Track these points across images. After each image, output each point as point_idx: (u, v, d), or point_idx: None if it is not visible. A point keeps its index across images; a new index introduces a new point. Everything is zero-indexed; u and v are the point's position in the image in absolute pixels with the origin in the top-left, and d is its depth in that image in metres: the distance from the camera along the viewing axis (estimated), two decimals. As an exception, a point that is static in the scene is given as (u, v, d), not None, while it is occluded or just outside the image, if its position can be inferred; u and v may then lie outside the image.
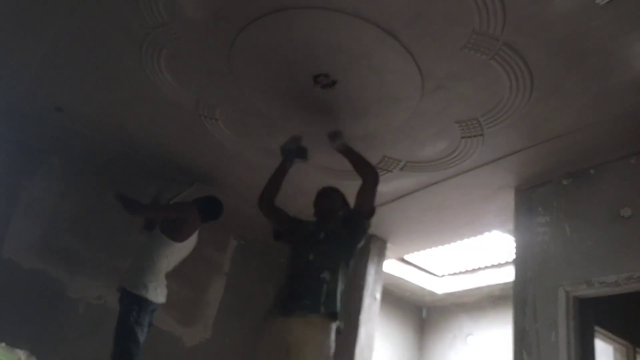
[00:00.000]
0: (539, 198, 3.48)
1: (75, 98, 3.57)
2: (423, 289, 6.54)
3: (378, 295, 4.74)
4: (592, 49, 2.46)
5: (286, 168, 3.19)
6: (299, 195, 3.72)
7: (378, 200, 3.98)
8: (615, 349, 4.10)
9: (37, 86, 3.48)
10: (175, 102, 3.38)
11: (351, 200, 3.02)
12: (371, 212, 3.01)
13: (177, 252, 3.79)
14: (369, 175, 3.03)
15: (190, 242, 3.91)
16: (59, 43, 3.05)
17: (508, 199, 3.71)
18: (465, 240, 5.02)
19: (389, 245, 4.91)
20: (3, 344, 2.21)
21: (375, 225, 4.50)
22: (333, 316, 2.74)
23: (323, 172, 3.84)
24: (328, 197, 3.13)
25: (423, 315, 7.15)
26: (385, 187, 3.88)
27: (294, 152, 3.17)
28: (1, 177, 4.04)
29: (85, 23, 2.87)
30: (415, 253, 5.68)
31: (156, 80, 3.20)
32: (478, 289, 6.16)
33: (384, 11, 2.47)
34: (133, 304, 3.47)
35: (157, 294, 3.56)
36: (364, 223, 2.99)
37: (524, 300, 3.28)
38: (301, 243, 2.97)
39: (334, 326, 2.72)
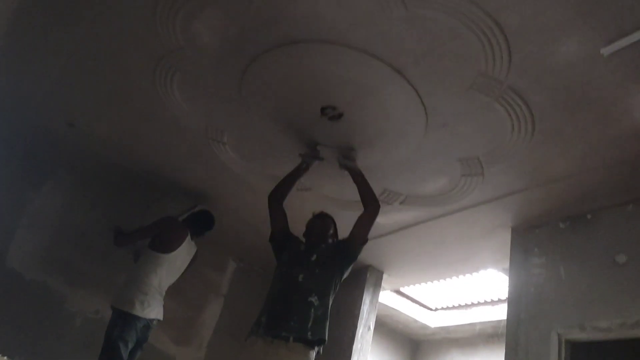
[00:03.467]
0: (536, 239, 3.51)
1: (86, 114, 3.64)
2: (416, 322, 6.52)
3: (372, 325, 4.74)
4: (594, 97, 2.52)
5: (302, 170, 3.25)
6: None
7: (377, 231, 4.06)
8: (606, 395, 4.08)
9: (51, 101, 3.55)
10: (185, 124, 3.44)
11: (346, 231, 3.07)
12: (365, 241, 3.05)
13: (166, 265, 3.76)
14: (373, 205, 3.09)
15: (182, 254, 3.89)
16: (76, 60, 3.13)
17: (505, 238, 3.74)
18: (461, 277, 5.04)
19: (385, 276, 4.93)
20: (-1, 354, 2.23)
21: (373, 256, 4.56)
22: (320, 343, 2.75)
23: (324, 200, 3.89)
24: (322, 220, 3.17)
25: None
26: (385, 219, 3.92)
27: (312, 155, 3.25)
28: (9, 187, 4.07)
29: (103, 42, 2.95)
30: (411, 286, 5.69)
31: (167, 102, 3.27)
32: (471, 325, 6.14)
33: (393, 49, 2.54)
34: (117, 318, 3.50)
35: (144, 308, 3.55)
36: (357, 250, 3.02)
37: (517, 340, 3.29)
38: (291, 261, 2.97)
39: (314, 353, 2.74)
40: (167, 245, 3.79)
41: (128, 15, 2.72)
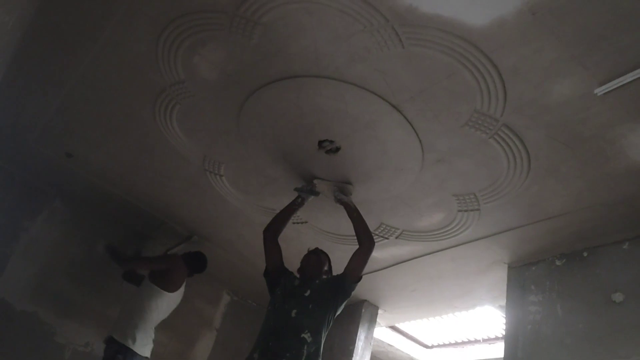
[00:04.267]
0: (532, 276, 3.49)
1: (85, 145, 3.65)
2: (412, 359, 6.42)
3: (366, 362, 4.67)
4: (589, 135, 2.55)
5: (297, 204, 3.26)
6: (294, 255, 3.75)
7: (373, 266, 4.05)
8: None
9: (50, 131, 3.56)
10: (183, 155, 3.47)
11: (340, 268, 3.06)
12: (359, 278, 3.03)
13: (167, 303, 3.79)
14: (368, 242, 3.08)
15: (180, 293, 3.92)
16: (77, 91, 3.16)
17: (501, 275, 3.72)
18: (457, 313, 4.99)
19: (380, 311, 4.88)
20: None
21: (368, 290, 4.53)
22: None
23: (320, 234, 3.88)
24: (317, 256, 3.16)
25: None
26: (381, 254, 3.91)
27: (307, 190, 3.25)
28: (4, 215, 4.05)
29: (104, 74, 2.99)
30: (407, 322, 5.62)
31: (166, 134, 3.30)
32: (468, 363, 6.05)
33: (390, 85, 2.58)
34: (118, 353, 3.44)
35: (144, 346, 3.54)
36: (350, 287, 2.99)
37: (514, 380, 3.24)
38: (285, 296, 2.94)
39: None
40: (171, 283, 3.83)
41: (130, 49, 2.76)
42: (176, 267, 3.90)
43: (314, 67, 2.59)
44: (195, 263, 4.10)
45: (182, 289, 3.95)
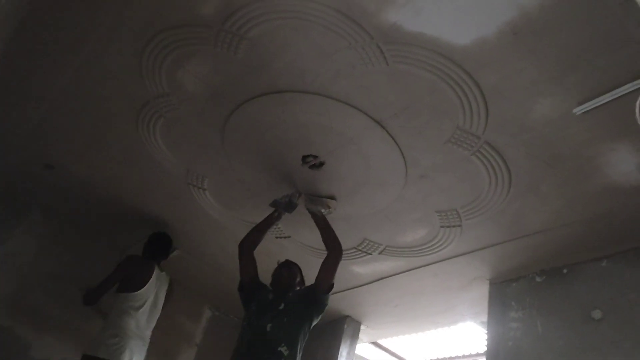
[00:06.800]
0: (513, 293, 3.52)
1: (67, 156, 3.60)
2: (394, 376, 6.40)
3: (348, 379, 4.64)
4: (568, 154, 2.60)
5: (274, 218, 3.25)
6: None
7: (356, 281, 4.04)
8: None
9: (31, 142, 3.51)
10: (166, 168, 3.44)
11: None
12: (331, 287, 3.03)
13: (139, 303, 3.60)
14: (336, 250, 3.09)
15: (153, 288, 3.73)
16: (60, 102, 3.12)
17: (483, 291, 3.74)
18: (440, 329, 5.00)
19: (363, 327, 4.87)
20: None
21: (351, 306, 4.52)
22: None
23: (303, 248, 3.87)
24: (289, 269, 3.16)
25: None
26: (363, 269, 3.91)
27: (284, 205, 3.22)
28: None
29: (88, 86, 2.96)
30: (389, 338, 5.61)
31: (149, 147, 3.27)
32: (449, 379, 6.04)
33: (375, 102, 2.61)
34: None
35: (113, 351, 3.34)
36: (323, 298, 2.98)
37: (495, 396, 3.25)
38: (259, 310, 2.92)
39: None
40: (136, 283, 3.64)
41: (113, 62, 2.75)
42: (133, 266, 3.73)
43: (299, 83, 2.61)
44: (156, 248, 3.91)
45: (153, 284, 3.73)
